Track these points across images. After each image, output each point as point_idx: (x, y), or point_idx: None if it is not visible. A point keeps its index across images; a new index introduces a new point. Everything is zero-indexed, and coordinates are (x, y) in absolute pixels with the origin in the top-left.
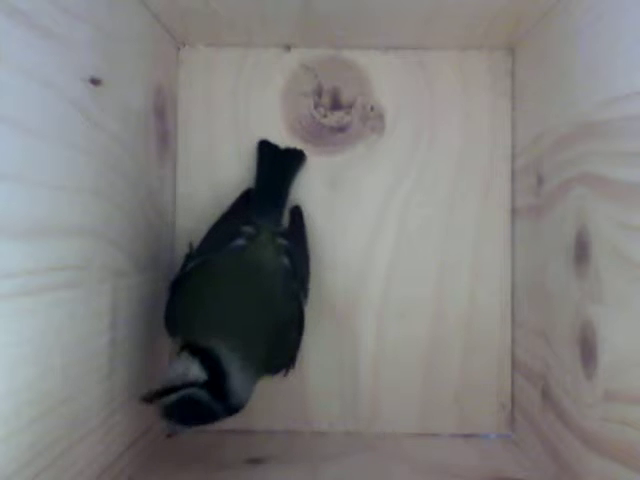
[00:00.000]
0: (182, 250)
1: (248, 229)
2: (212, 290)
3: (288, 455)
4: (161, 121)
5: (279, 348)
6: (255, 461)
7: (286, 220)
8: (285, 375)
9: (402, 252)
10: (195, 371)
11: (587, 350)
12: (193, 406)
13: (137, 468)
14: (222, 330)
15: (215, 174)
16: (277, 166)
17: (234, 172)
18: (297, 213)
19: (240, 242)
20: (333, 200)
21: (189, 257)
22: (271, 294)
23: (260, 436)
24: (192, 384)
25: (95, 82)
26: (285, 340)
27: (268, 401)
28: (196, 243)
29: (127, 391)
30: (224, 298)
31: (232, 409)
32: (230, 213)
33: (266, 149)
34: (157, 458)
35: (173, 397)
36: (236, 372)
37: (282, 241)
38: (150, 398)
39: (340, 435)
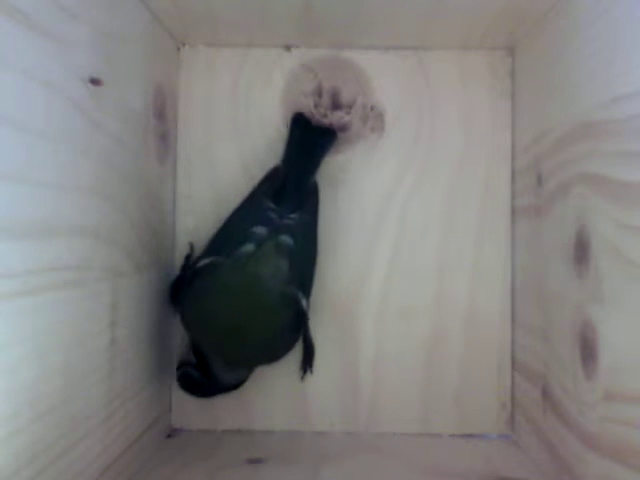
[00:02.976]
0: (182, 250)
1: (260, 231)
2: (210, 301)
3: (288, 455)
4: (161, 121)
5: (267, 349)
6: (255, 461)
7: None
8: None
9: (402, 252)
10: (190, 356)
11: (587, 350)
12: (189, 380)
13: (137, 468)
14: (211, 339)
15: (215, 174)
16: (308, 144)
17: (234, 172)
18: (313, 190)
19: (249, 248)
20: (333, 200)
21: (190, 257)
22: (263, 307)
23: (260, 436)
24: (187, 363)
25: (95, 82)
26: (275, 341)
27: (268, 401)
28: (196, 243)
29: (127, 391)
30: (218, 311)
31: (216, 386)
32: (258, 190)
33: (300, 124)
34: (157, 458)
35: (178, 372)
36: (216, 362)
37: (286, 239)
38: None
39: (340, 435)
